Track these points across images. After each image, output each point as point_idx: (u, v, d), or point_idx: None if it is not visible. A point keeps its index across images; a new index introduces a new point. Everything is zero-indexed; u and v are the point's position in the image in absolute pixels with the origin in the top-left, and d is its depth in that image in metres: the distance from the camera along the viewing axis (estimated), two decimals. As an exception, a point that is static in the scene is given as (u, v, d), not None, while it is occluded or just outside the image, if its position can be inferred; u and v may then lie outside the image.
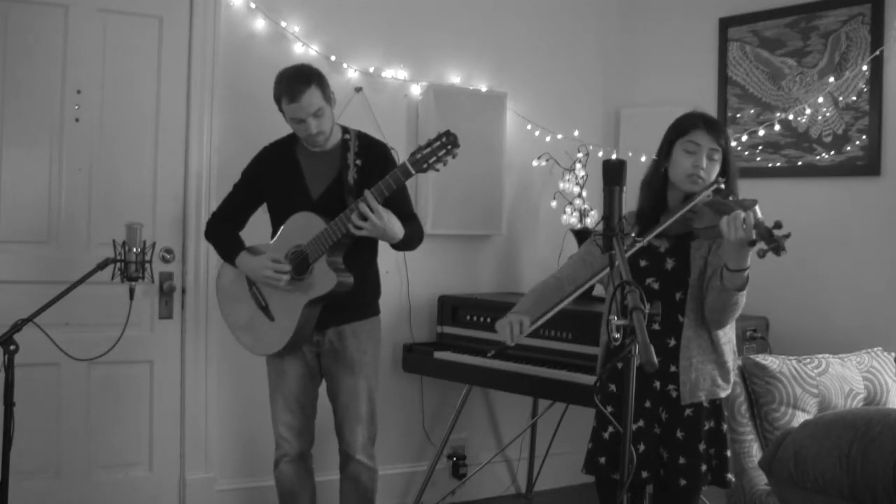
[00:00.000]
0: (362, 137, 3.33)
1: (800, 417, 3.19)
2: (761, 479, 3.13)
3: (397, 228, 3.12)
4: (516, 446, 4.68)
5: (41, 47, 3.62)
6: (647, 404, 2.72)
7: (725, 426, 2.76)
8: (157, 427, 3.87)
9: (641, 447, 2.69)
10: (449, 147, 3.01)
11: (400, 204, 3.21)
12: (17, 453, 2.92)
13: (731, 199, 2.57)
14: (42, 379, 3.59)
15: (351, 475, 3.35)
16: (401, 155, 3.67)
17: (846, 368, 3.38)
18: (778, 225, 2.33)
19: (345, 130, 3.32)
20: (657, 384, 2.72)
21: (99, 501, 3.74)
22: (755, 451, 3.21)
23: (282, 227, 3.25)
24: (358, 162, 3.23)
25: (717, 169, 2.69)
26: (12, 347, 2.86)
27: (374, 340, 3.37)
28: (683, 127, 2.72)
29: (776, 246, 2.30)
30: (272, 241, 3.29)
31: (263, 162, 3.36)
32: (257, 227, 3.42)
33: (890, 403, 3.38)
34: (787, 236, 2.31)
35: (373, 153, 3.28)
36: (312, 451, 3.44)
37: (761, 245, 2.34)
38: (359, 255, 3.25)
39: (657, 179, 2.77)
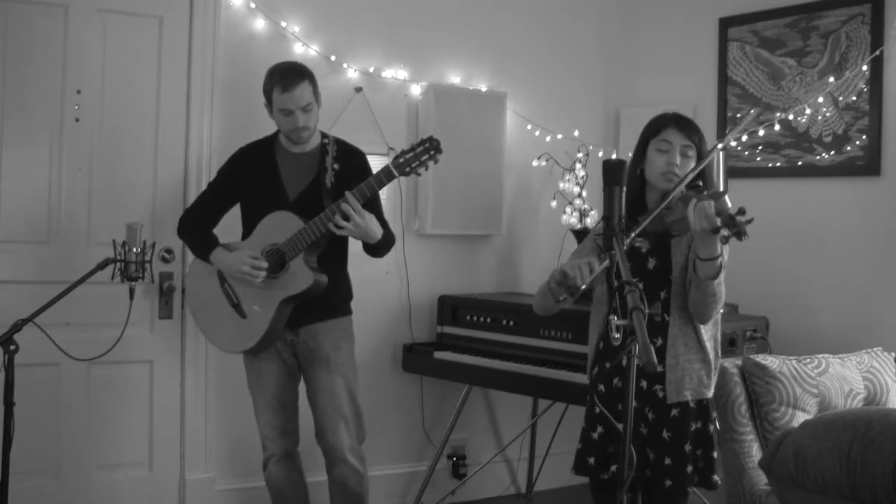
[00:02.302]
0: (340, 143, 3.38)
1: (800, 417, 3.19)
2: (761, 479, 3.13)
3: (376, 229, 3.18)
4: (516, 446, 4.68)
5: (41, 47, 3.61)
6: (634, 404, 2.71)
7: (712, 427, 2.76)
8: (156, 427, 3.87)
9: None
10: (432, 152, 3.10)
11: (373, 211, 3.23)
12: (17, 453, 2.92)
13: (704, 192, 2.59)
14: (42, 379, 3.58)
15: (337, 480, 3.33)
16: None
17: (846, 368, 3.38)
18: (741, 211, 2.36)
19: (323, 136, 3.36)
20: (644, 384, 2.73)
21: (99, 501, 3.74)
22: (755, 451, 3.20)
23: (257, 226, 3.26)
24: (336, 166, 3.27)
25: (690, 165, 2.72)
26: (12, 347, 2.86)
27: (348, 338, 3.38)
28: (656, 127, 2.77)
29: (738, 231, 2.34)
30: (246, 240, 3.30)
31: (241, 161, 3.38)
32: (229, 226, 3.42)
33: (890, 403, 3.38)
34: (750, 221, 2.34)
35: (351, 159, 3.34)
36: (304, 451, 3.43)
37: (724, 231, 2.37)
38: (331, 260, 3.28)
39: (634, 181, 2.79)
